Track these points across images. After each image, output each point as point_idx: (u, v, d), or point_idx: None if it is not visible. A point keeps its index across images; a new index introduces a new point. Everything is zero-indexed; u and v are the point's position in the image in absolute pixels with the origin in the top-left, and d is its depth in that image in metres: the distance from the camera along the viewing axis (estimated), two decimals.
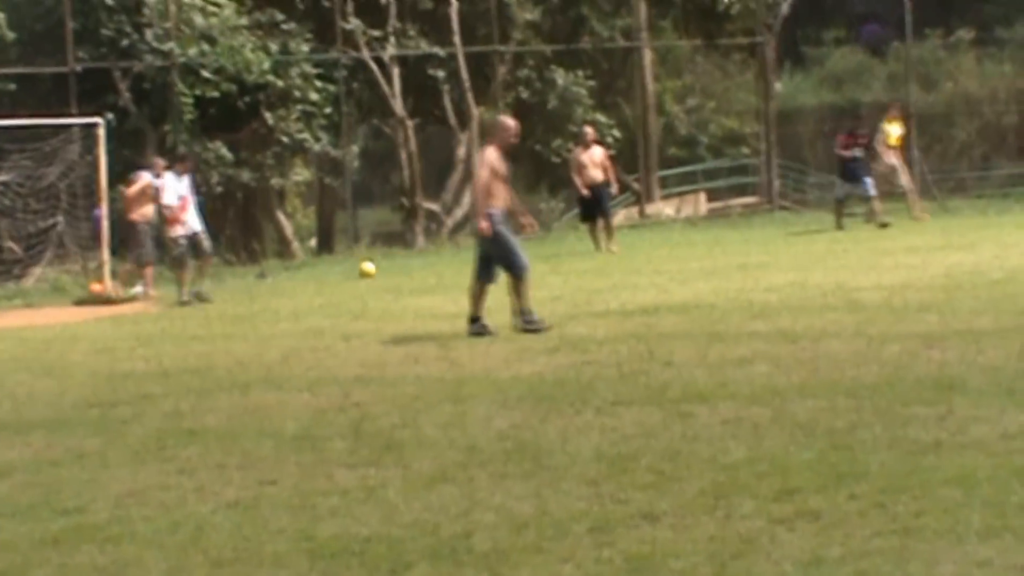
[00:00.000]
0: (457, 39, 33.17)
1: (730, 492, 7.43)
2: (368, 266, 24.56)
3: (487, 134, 15.32)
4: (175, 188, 22.08)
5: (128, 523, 7.71)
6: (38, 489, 8.70)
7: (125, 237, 24.32)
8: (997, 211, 31.49)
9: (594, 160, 25.63)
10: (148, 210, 23.55)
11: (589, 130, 26.60)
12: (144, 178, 23.58)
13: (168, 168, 22.59)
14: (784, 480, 7.58)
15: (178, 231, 22.05)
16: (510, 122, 15.43)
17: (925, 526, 6.57)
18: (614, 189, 26.26)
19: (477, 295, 14.99)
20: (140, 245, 23.60)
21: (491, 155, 14.97)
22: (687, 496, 7.43)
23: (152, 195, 23.33)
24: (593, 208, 25.81)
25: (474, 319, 14.92)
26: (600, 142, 26.61)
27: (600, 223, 25.92)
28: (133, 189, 23.65)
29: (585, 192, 25.53)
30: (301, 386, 12.19)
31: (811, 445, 8.41)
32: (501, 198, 15.00)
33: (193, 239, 22.18)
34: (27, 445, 10.25)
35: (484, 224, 14.79)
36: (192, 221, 22.25)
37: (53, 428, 10.91)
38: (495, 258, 14.98)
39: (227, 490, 8.35)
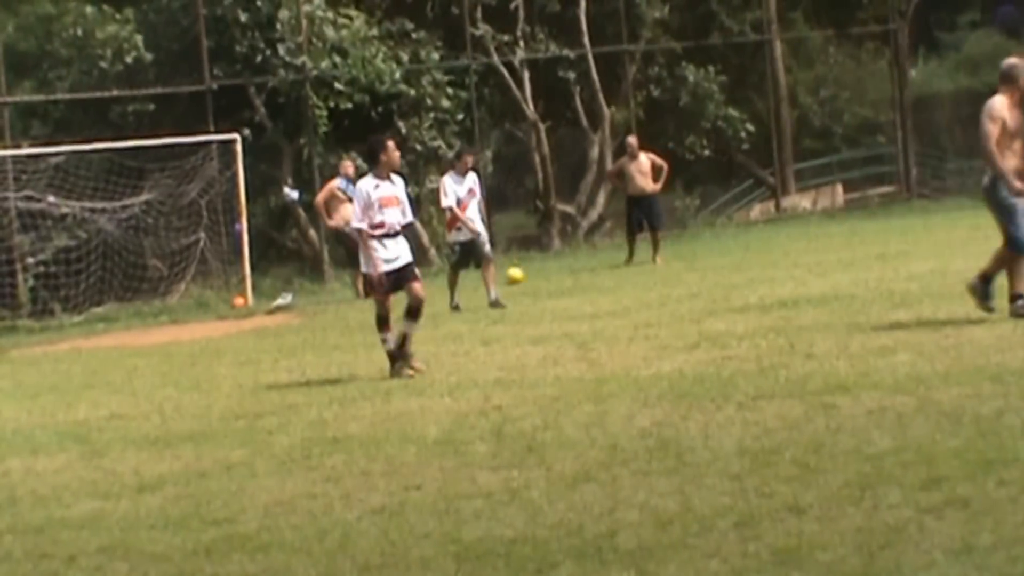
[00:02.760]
0: (586, 40, 33.15)
1: (876, 483, 7.36)
2: (516, 272, 23.85)
3: (1000, 81, 13.00)
4: (453, 189, 19.87)
5: (277, 532, 7.81)
6: (188, 501, 8.85)
7: (343, 245, 24.51)
8: None
9: (642, 170, 25.18)
10: (347, 213, 23.64)
11: (633, 140, 25.92)
12: (333, 183, 23.88)
13: (452, 168, 20.63)
14: (931, 469, 7.49)
15: (452, 236, 20.11)
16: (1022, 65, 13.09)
17: None
18: (658, 184, 25.22)
19: (1017, 268, 12.93)
20: (348, 248, 23.64)
21: (997, 104, 12.90)
22: (832, 488, 7.37)
23: (344, 198, 23.53)
24: (639, 218, 25.28)
25: (1015, 297, 12.88)
26: (645, 149, 26.01)
27: (644, 235, 25.38)
28: (320, 195, 23.97)
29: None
30: (442, 391, 12.27)
31: (957, 433, 8.31)
32: (1014, 158, 12.91)
33: (470, 244, 19.96)
34: (176, 458, 10.43)
35: (1017, 184, 12.72)
36: (473, 224, 19.93)
37: (201, 441, 11.09)
38: (1002, 227, 13.00)
39: (372, 496, 8.42)
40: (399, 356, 13.65)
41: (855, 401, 9.65)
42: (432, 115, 30.14)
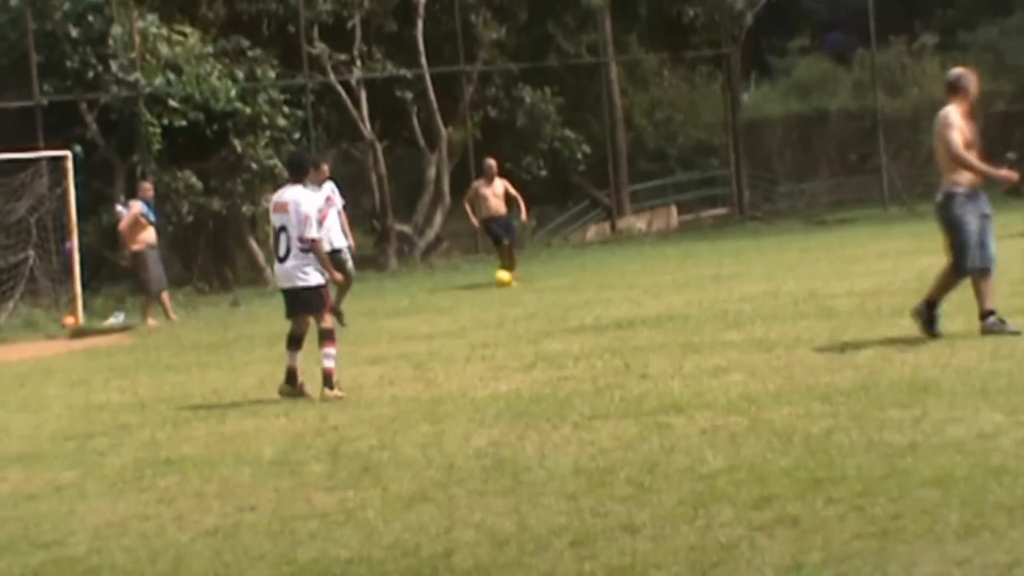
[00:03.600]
0: (423, 60, 33.20)
1: (709, 501, 7.45)
2: (503, 274, 23.87)
3: (949, 91, 12.63)
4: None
5: (107, 554, 7.68)
6: (16, 523, 8.67)
7: (134, 268, 24.10)
8: None
9: (496, 192, 24.88)
10: (148, 236, 23.44)
11: (492, 163, 25.40)
12: (134, 206, 23.54)
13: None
14: (762, 487, 7.60)
15: (339, 241, 18.90)
16: (972, 74, 12.81)
17: (904, 528, 6.60)
18: (523, 216, 25.28)
19: (978, 287, 12.60)
20: (148, 272, 23.42)
21: (954, 116, 12.49)
22: (666, 507, 7.44)
23: (145, 221, 23.27)
24: (499, 233, 24.84)
25: (985, 314, 12.51)
26: (502, 175, 25.86)
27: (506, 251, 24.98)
28: (124, 221, 23.58)
29: (475, 223, 24.93)
30: (278, 411, 12.17)
31: (788, 452, 8.44)
32: (968, 173, 12.49)
33: (335, 257, 18.38)
34: (4, 480, 10.21)
35: (1003, 172, 12.58)
36: (333, 236, 19.01)
37: (30, 462, 10.87)
38: (950, 244, 12.63)
39: (206, 518, 8.33)
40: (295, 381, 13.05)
41: (689, 421, 9.76)
42: (268, 133, 29.92)
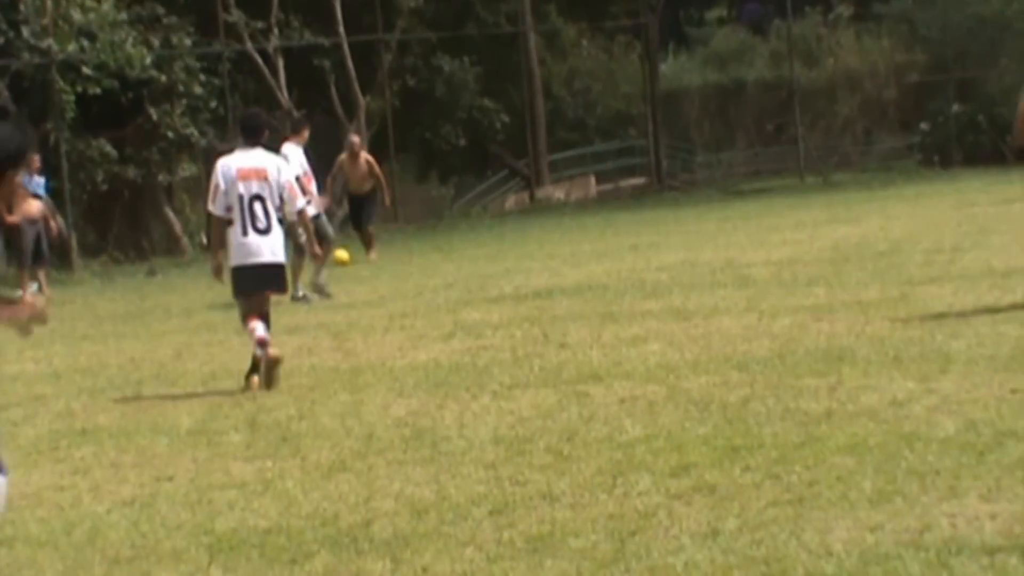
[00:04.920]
0: (341, 29, 33.04)
1: (627, 470, 7.48)
2: (343, 253, 23.15)
3: None
4: (297, 161, 17.66)
5: (22, 525, 7.61)
6: None
7: (11, 241, 23.82)
8: (880, 184, 31.98)
9: (360, 170, 23.98)
10: (29, 208, 23.12)
11: (355, 139, 24.75)
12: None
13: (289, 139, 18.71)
14: (680, 456, 7.65)
15: (311, 209, 16.68)
16: None
17: (818, 494, 6.67)
18: (386, 201, 24.41)
19: None
20: (22, 245, 23.13)
21: None
22: (585, 475, 7.47)
23: (25, 192, 22.95)
24: (356, 216, 24.55)
25: None
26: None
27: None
28: None
29: (327, 201, 24.02)
30: (195, 381, 12.10)
31: (706, 420, 8.50)
32: None
33: (318, 219, 17.68)
34: None
35: None
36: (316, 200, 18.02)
37: None
38: None
39: (123, 488, 8.27)
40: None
41: (607, 390, 9.80)
42: (184, 102, 29.69)
